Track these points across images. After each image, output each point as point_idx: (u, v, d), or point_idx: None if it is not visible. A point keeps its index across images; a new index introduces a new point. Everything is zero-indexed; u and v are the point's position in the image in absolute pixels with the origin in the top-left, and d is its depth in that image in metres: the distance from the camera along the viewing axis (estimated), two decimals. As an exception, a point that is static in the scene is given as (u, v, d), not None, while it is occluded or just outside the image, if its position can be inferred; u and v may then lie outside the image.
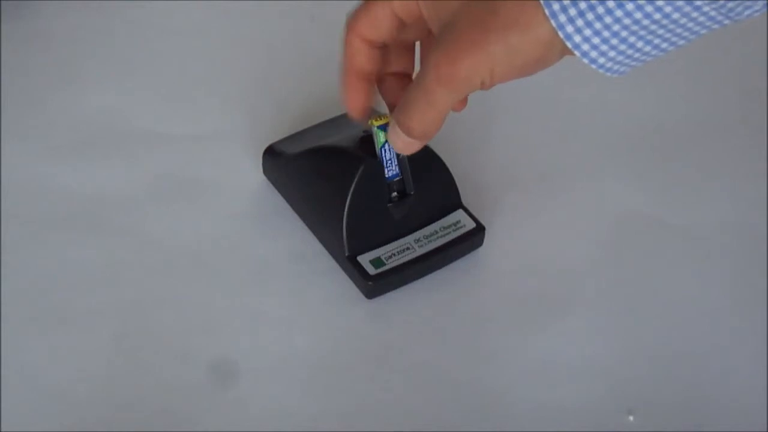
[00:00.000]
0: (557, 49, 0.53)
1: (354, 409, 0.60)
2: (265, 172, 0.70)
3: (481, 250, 0.67)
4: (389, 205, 0.64)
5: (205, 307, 0.64)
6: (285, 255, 0.66)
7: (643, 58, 0.54)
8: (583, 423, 0.60)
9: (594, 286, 0.66)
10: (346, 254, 0.64)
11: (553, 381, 0.62)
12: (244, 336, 0.63)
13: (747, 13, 0.51)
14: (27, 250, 0.66)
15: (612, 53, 0.52)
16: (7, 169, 0.69)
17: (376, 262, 0.64)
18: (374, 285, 0.63)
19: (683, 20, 0.51)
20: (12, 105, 0.73)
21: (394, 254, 0.64)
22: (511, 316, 0.65)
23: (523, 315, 0.65)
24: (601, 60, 0.53)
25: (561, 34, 0.52)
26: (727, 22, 0.52)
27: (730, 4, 0.50)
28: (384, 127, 0.63)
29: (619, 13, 0.51)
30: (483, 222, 0.66)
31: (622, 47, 0.52)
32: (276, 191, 0.69)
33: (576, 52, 0.53)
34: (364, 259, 0.64)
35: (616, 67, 0.54)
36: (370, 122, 0.63)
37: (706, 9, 0.50)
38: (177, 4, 0.81)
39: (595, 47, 0.52)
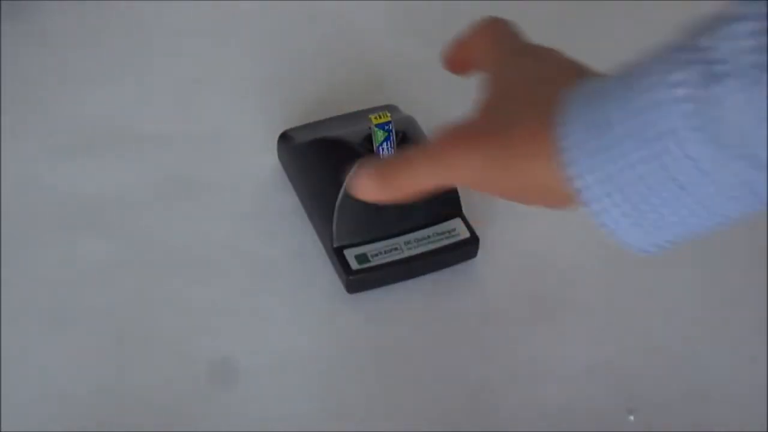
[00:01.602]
0: (560, 195, 0.49)
1: (354, 409, 0.60)
2: (279, 156, 0.70)
3: (482, 246, 0.66)
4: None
5: (205, 306, 0.64)
6: (287, 254, 0.66)
7: (668, 235, 0.49)
8: (583, 423, 0.60)
9: (594, 285, 0.66)
10: (334, 246, 0.64)
11: (553, 381, 0.62)
12: (245, 335, 0.63)
13: None
14: (27, 250, 0.66)
15: (622, 214, 0.48)
16: (7, 169, 0.69)
17: (361, 258, 0.64)
18: (354, 280, 0.63)
19: (706, 189, 0.46)
20: (12, 105, 0.73)
21: (381, 253, 0.64)
22: (512, 316, 0.65)
23: (523, 315, 0.65)
24: (611, 221, 0.48)
25: (569, 176, 0.48)
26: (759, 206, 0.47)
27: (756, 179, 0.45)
28: (383, 126, 0.63)
29: (628, 167, 0.46)
30: (483, 225, 0.66)
31: (634, 209, 0.48)
32: (281, 188, 0.69)
33: (580, 198, 0.48)
34: (350, 253, 0.64)
35: (634, 238, 0.49)
36: (369, 117, 0.63)
37: (729, 179, 0.45)
38: (178, 4, 0.80)
39: (604, 206, 0.48)
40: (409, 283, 0.65)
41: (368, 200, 0.56)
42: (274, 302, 0.64)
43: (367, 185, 0.55)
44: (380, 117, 0.63)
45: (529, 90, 0.53)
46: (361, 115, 0.67)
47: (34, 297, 0.64)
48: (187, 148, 0.72)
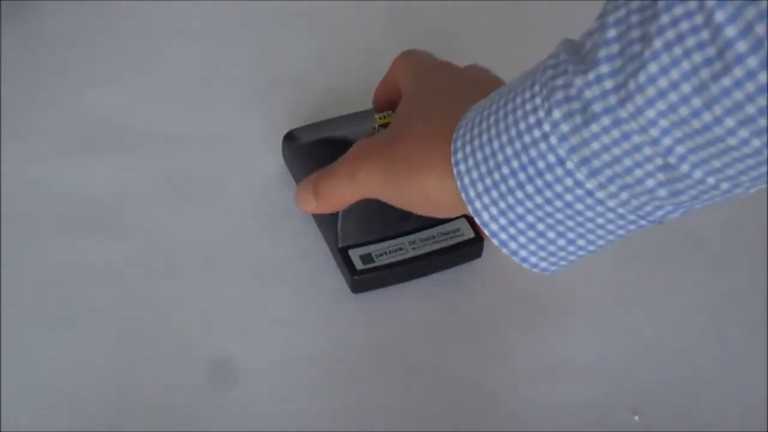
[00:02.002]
0: (454, 208, 0.54)
1: (355, 409, 0.60)
2: (284, 156, 0.70)
3: (487, 246, 0.66)
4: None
5: (209, 306, 0.64)
6: (292, 254, 0.66)
7: (563, 254, 0.53)
8: (588, 423, 0.60)
9: (596, 286, 0.67)
10: (339, 246, 0.64)
11: (557, 381, 0.62)
12: (250, 335, 0.63)
13: (660, 213, 0.50)
14: (28, 250, 0.66)
15: (522, 239, 0.52)
16: (7, 169, 0.69)
17: (366, 258, 0.64)
18: (359, 280, 0.64)
19: (589, 213, 0.50)
20: (12, 105, 0.73)
21: (386, 253, 0.64)
22: (515, 317, 0.65)
23: (526, 315, 0.65)
24: (512, 245, 0.53)
25: (464, 198, 0.52)
26: (643, 222, 0.51)
27: (635, 202, 0.49)
28: (387, 126, 0.63)
29: (519, 194, 0.51)
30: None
31: (531, 234, 0.52)
32: (285, 188, 0.69)
33: (478, 221, 0.53)
34: (355, 254, 0.64)
35: (533, 259, 0.53)
36: (374, 117, 0.63)
37: (610, 204, 0.49)
38: (178, 4, 0.80)
39: (502, 228, 0.52)
40: (414, 283, 0.65)
41: (308, 212, 0.63)
42: (278, 302, 0.64)
43: (306, 199, 0.60)
44: (385, 117, 0.63)
45: (430, 107, 0.56)
46: (366, 115, 0.67)
47: (35, 297, 0.63)
48: (190, 148, 0.71)
